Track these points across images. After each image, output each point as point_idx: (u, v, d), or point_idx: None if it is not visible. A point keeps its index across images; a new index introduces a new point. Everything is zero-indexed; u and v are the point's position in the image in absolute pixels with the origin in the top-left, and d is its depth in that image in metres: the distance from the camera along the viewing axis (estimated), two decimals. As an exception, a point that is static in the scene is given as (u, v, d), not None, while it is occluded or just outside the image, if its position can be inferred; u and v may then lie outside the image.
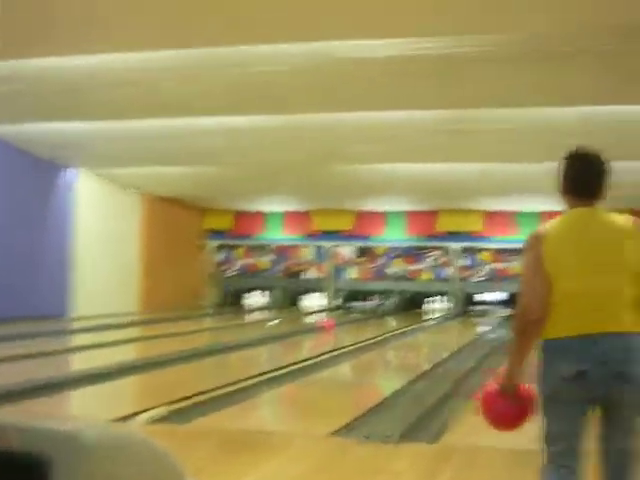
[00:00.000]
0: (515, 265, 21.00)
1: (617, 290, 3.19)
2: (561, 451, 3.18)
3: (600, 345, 3.11)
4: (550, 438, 3.21)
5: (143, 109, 12.74)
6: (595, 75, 10.53)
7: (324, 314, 21.11)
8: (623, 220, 3.29)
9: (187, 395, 7.34)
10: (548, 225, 3.40)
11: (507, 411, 3.41)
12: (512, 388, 3.33)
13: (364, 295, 22.74)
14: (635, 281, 3.20)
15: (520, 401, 3.34)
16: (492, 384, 3.45)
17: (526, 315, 3.24)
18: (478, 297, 22.10)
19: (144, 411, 6.48)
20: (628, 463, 3.18)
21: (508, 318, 19.23)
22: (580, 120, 12.62)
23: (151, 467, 2.15)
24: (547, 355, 3.21)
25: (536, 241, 3.31)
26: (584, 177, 3.37)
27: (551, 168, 12.83)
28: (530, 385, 3.32)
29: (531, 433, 5.56)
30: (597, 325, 3.15)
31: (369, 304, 22.59)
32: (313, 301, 23.07)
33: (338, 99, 11.93)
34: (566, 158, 3.43)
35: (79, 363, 10.60)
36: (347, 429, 6.25)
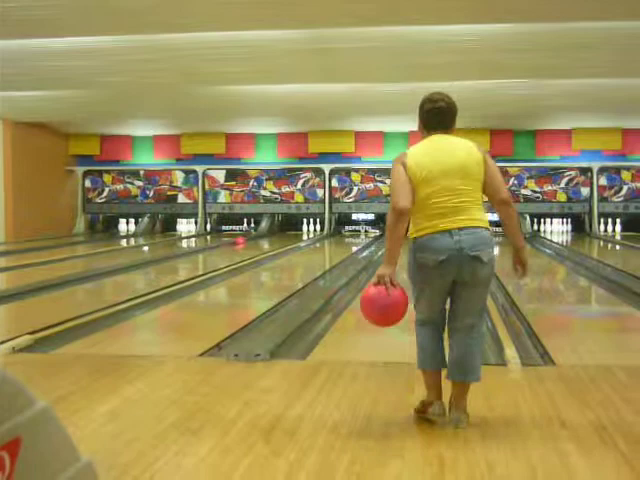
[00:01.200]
0: (384, 185, 21.32)
1: (467, 191, 4.17)
2: (428, 316, 4.28)
3: (456, 237, 4.09)
4: (420, 309, 4.28)
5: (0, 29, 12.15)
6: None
7: (195, 239, 21.00)
8: (469, 144, 4.40)
9: (54, 323, 7.18)
10: (411, 147, 4.35)
11: (386, 300, 4.08)
12: (390, 275, 4.08)
13: (237, 219, 22.67)
14: (480, 188, 4.23)
15: (395, 290, 4.08)
16: (370, 286, 4.16)
17: (397, 209, 4.09)
18: (350, 217, 22.32)
19: (8, 340, 6.30)
20: (473, 339, 4.23)
21: (378, 238, 19.59)
22: (442, 40, 12.76)
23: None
24: (416, 250, 4.15)
25: (402, 156, 4.27)
26: (438, 116, 4.43)
27: (415, 88, 13.12)
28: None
29: (398, 349, 5.71)
30: (453, 222, 4.11)
31: (240, 228, 22.56)
32: (184, 226, 22.89)
33: (200, 19, 11.65)
34: (424, 102, 4.46)
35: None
36: (217, 349, 6.27)
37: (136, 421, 4.33)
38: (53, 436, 2.28)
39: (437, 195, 4.14)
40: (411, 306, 4.22)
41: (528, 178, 20.99)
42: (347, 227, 22.06)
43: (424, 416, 4.26)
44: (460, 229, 4.10)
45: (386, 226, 4.20)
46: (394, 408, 4.58)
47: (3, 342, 6.28)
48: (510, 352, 5.82)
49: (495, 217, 4.57)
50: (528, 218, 21.01)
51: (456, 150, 4.29)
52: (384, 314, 4.15)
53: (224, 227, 22.59)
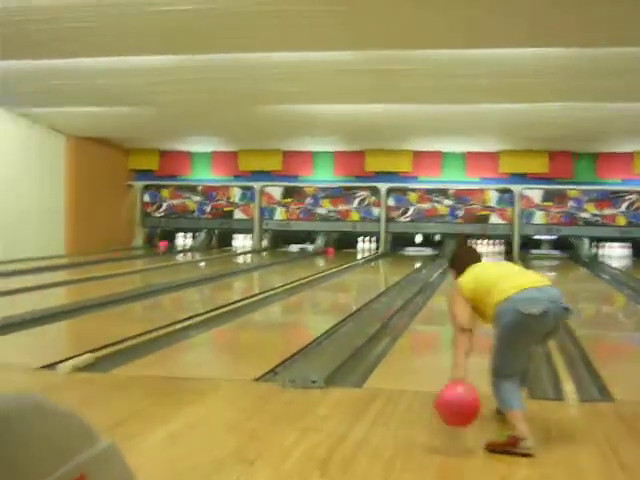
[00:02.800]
0: (441, 206, 21.26)
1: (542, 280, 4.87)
2: (517, 369, 4.68)
3: (545, 291, 4.65)
4: (508, 360, 4.65)
5: (64, 48, 12.39)
6: (513, 18, 10.57)
7: (251, 255, 21.12)
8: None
9: (113, 341, 7.28)
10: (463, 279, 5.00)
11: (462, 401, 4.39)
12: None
13: (296, 236, 22.78)
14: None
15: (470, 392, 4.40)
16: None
17: (464, 327, 4.68)
18: (406, 237, 22.27)
19: (69, 359, 6.41)
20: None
21: (434, 258, 19.51)
22: (497, 64, 12.71)
23: (61, 434, 2.12)
24: (515, 304, 4.54)
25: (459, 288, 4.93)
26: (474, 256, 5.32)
27: (473, 110, 13.06)
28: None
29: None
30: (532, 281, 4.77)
31: (300, 247, 22.66)
32: (240, 242, 23.05)
33: (261, 39, 11.77)
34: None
35: (3, 309, 10.39)
36: (273, 374, 6.29)
37: (194, 447, 4.37)
38: (117, 473, 2.32)
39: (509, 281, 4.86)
40: None
41: (587, 201, 20.75)
42: (403, 247, 22.01)
43: (512, 449, 4.29)
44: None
45: (455, 343, 4.76)
46: (451, 441, 4.56)
47: (63, 360, 6.38)
48: (568, 387, 5.76)
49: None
50: (587, 242, 20.75)
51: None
52: (464, 415, 4.42)
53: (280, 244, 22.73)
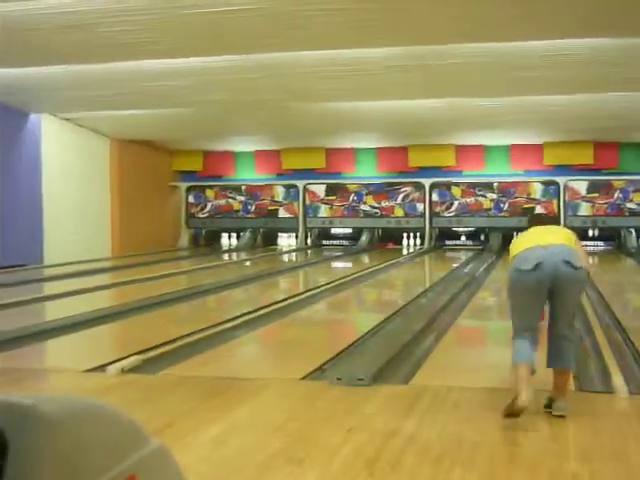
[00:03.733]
0: (485, 199, 21.13)
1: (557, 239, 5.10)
2: (524, 326, 4.94)
3: (549, 248, 4.92)
4: (517, 318, 4.98)
5: (105, 52, 12.52)
6: (562, 10, 10.46)
7: (295, 253, 21.18)
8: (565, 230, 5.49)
9: (160, 343, 7.35)
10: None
11: None
12: None
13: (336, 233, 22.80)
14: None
15: None
16: None
17: None
18: (450, 232, 22.18)
19: (117, 361, 6.49)
20: (566, 346, 5.00)
21: (479, 252, 19.40)
22: (544, 55, 12.58)
23: (112, 435, 2.15)
24: (515, 263, 4.95)
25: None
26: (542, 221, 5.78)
27: (517, 102, 12.94)
28: None
29: (500, 374, 5.66)
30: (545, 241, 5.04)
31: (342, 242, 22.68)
32: (285, 241, 23.13)
33: (303, 38, 11.78)
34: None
35: (51, 313, 10.55)
36: (321, 372, 6.31)
37: (242, 448, 4.40)
38: (167, 474, 2.35)
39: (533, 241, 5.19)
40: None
41: (634, 192, 20.48)
42: (447, 241, 21.92)
43: (511, 411, 4.68)
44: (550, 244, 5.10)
45: None
46: (499, 437, 4.55)
47: (112, 362, 6.46)
48: (617, 380, 5.69)
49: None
50: (634, 232, 20.48)
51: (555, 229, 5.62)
52: None
53: (324, 241, 22.74)
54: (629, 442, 4.43)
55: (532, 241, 5.07)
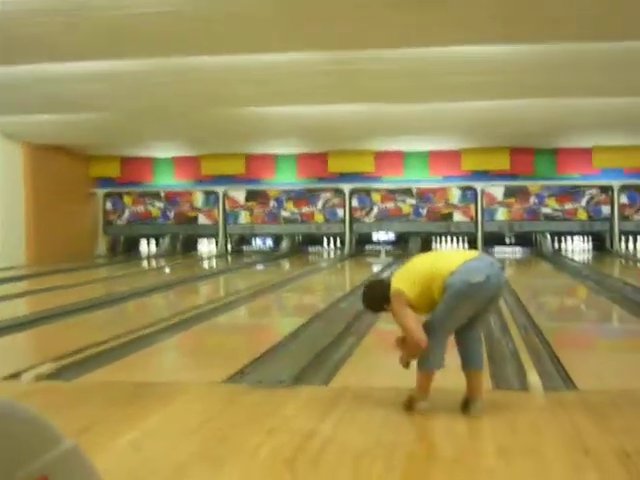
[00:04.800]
0: (404, 205, 21.35)
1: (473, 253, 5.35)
2: (450, 331, 5.06)
3: (483, 259, 5.12)
4: (450, 325, 5.00)
5: (18, 53, 12.24)
6: (481, 17, 10.63)
7: (215, 260, 21.05)
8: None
9: (77, 349, 7.21)
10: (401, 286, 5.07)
11: None
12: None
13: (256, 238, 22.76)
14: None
15: None
16: None
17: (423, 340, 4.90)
18: (370, 237, 22.31)
19: (31, 368, 6.34)
20: (478, 347, 5.17)
21: (399, 257, 19.58)
22: (463, 61, 12.76)
23: (20, 434, 2.09)
24: (462, 277, 4.87)
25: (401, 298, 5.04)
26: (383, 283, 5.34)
27: (436, 108, 13.06)
28: None
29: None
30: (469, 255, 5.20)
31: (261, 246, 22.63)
32: (205, 247, 22.98)
33: (219, 42, 11.72)
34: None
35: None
36: (241, 375, 6.28)
37: (160, 451, 4.34)
38: (81, 474, 2.30)
39: None
40: None
41: (549, 196, 20.95)
42: (368, 246, 22.04)
43: (409, 409, 5.01)
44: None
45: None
46: (418, 436, 4.59)
47: (26, 370, 6.31)
48: (532, 378, 5.80)
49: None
50: (549, 237, 20.95)
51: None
52: None
53: (244, 247, 22.65)
54: (544, 437, 4.51)
55: (453, 258, 5.10)
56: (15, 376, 6.20)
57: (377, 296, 5.22)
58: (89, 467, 2.33)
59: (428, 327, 5.00)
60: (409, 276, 5.08)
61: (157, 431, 4.76)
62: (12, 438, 2.07)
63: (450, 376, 5.16)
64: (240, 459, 4.15)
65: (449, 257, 5.20)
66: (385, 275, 5.13)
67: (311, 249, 22.10)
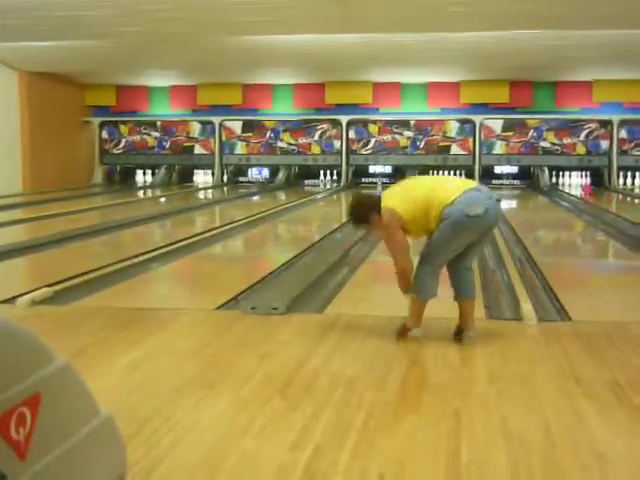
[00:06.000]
0: (401, 137, 21.23)
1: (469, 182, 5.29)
2: (443, 263, 5.06)
3: (482, 190, 5.06)
4: (443, 256, 4.99)
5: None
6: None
7: (212, 190, 20.99)
8: None
9: (73, 275, 7.23)
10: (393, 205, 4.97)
11: None
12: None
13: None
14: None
15: None
16: None
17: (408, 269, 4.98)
18: (367, 170, 22.20)
19: (27, 293, 6.35)
20: (470, 276, 5.18)
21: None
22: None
23: (11, 351, 2.09)
24: (460, 208, 4.81)
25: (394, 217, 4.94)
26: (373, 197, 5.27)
27: (435, 38, 12.90)
28: None
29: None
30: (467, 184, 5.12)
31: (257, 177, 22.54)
32: (201, 177, 22.87)
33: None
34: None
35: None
36: (235, 302, 6.30)
37: (154, 374, 4.37)
38: (73, 391, 2.31)
39: None
40: None
41: (547, 130, 20.80)
42: (364, 179, 21.95)
43: (402, 336, 5.06)
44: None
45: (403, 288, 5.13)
46: (410, 363, 4.62)
47: (22, 295, 6.33)
48: (526, 307, 5.82)
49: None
50: (547, 171, 20.87)
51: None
52: None
53: (240, 178, 22.55)
54: (535, 365, 4.54)
55: (458, 184, 5.05)
56: (10, 301, 6.22)
57: (365, 207, 5.07)
58: (81, 384, 2.34)
59: (422, 256, 5.00)
60: (404, 198, 4.98)
61: (153, 355, 4.80)
62: (6, 356, 2.07)
63: (444, 305, 5.18)
64: (234, 383, 4.18)
65: (447, 185, 5.05)
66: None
67: (307, 182, 21.99)
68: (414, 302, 5.07)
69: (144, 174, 23.07)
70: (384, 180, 21.53)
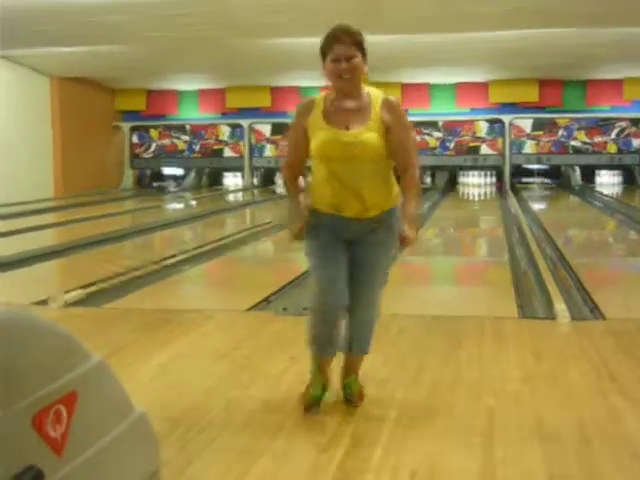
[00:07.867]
0: (430, 138, 21.16)
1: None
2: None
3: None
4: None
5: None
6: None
7: (241, 193, 21.05)
8: None
9: (105, 277, 7.28)
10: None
11: None
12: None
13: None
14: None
15: None
16: None
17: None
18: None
19: (60, 295, 6.41)
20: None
21: (424, 190, 19.48)
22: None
23: (50, 349, 2.11)
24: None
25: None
26: None
27: (463, 39, 12.76)
28: None
29: (444, 305, 5.69)
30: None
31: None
32: (231, 180, 22.93)
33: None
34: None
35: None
36: (266, 303, 6.32)
37: (186, 374, 4.39)
38: (108, 389, 2.33)
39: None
40: None
41: (578, 129, 20.65)
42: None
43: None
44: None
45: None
46: (442, 362, 4.60)
47: (55, 296, 6.38)
48: (559, 306, 5.78)
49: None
50: (578, 170, 20.72)
51: None
52: None
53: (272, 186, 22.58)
54: (569, 363, 4.51)
55: None
56: (44, 302, 6.28)
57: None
58: (116, 382, 2.36)
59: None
60: None
61: (185, 356, 4.81)
62: (42, 355, 2.09)
63: (476, 306, 5.15)
64: (265, 384, 4.19)
65: None
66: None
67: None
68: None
69: (175, 178, 23.18)
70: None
